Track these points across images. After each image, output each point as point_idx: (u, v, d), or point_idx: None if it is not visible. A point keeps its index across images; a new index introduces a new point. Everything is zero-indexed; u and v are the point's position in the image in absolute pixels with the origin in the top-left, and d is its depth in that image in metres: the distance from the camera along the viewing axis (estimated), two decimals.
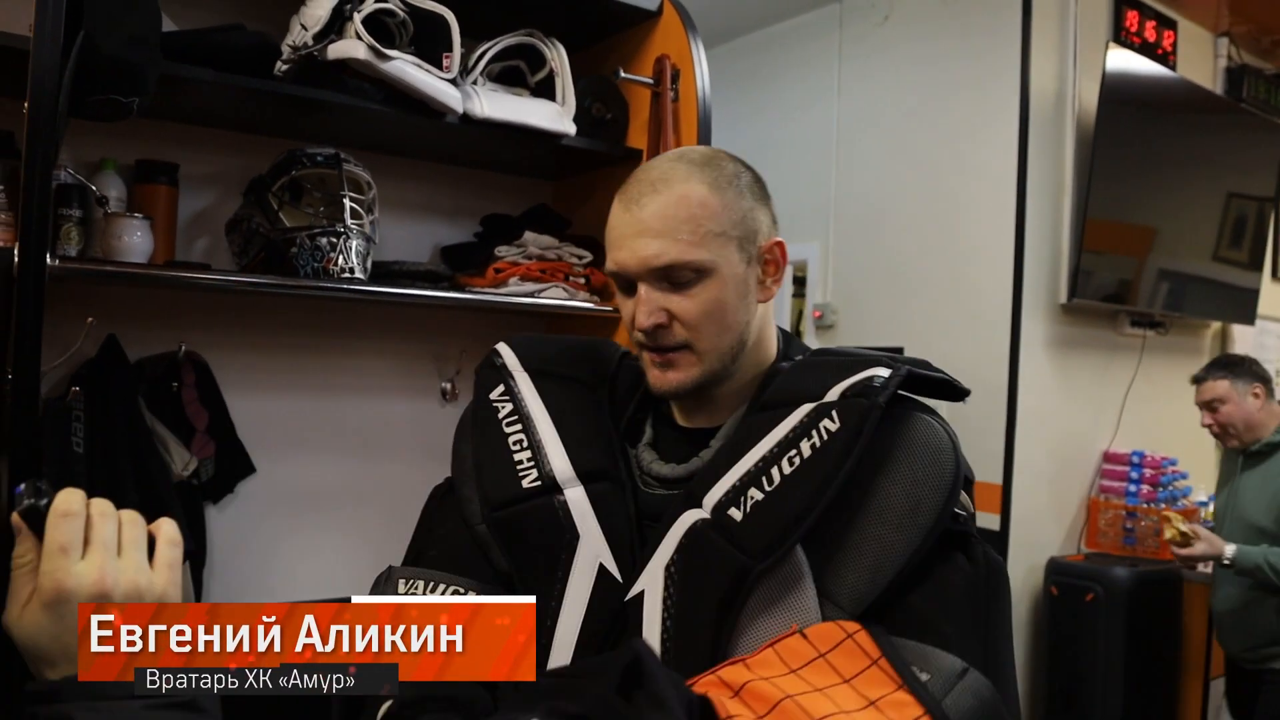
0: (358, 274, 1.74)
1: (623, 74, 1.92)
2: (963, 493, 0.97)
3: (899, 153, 3.64)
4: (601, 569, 1.02)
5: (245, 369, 1.99)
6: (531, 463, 1.06)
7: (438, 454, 2.18)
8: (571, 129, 1.90)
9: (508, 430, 1.08)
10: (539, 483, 1.05)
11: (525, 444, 1.07)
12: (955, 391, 1.04)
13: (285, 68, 1.71)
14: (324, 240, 1.73)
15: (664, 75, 1.92)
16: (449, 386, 2.19)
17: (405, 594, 1.02)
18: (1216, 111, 3.75)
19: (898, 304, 3.61)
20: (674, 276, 1.01)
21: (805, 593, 0.92)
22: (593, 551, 1.03)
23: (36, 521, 0.73)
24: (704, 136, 1.91)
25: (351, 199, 1.77)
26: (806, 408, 0.96)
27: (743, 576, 0.91)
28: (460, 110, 1.78)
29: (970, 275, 3.36)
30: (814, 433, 0.94)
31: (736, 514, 0.94)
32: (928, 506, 0.92)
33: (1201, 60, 3.93)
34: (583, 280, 2.02)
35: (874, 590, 0.91)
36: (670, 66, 1.93)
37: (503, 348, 1.16)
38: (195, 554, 1.84)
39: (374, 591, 1.06)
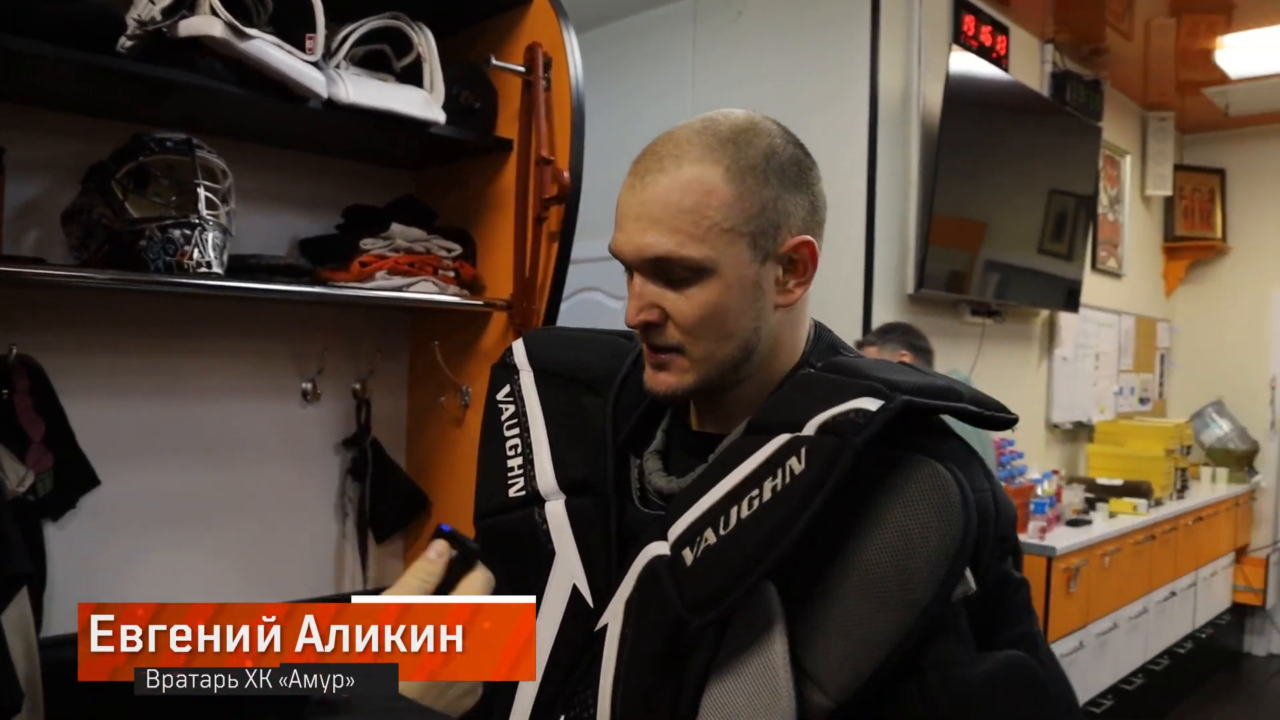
0: (215, 268, 1.62)
1: (495, 61, 1.86)
2: (980, 564, 0.79)
3: None
4: (575, 591, 0.95)
5: (84, 373, 1.83)
6: (521, 471, 1.01)
7: (300, 459, 2.09)
8: (441, 117, 1.83)
9: (507, 434, 1.03)
10: (524, 493, 1.00)
11: (519, 449, 1.02)
12: (991, 421, 0.87)
13: (130, 44, 1.57)
14: (177, 232, 1.61)
15: (536, 64, 1.88)
16: (310, 387, 2.08)
17: None
18: (1046, 114, 3.97)
19: None
20: (669, 272, 0.90)
21: (774, 661, 0.79)
22: (567, 571, 0.96)
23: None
24: (577, 127, 1.87)
25: (206, 188, 1.65)
26: (781, 439, 0.82)
27: (678, 630, 0.81)
28: (324, 95, 1.68)
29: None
30: (779, 472, 0.80)
31: (689, 556, 0.82)
32: (922, 578, 0.76)
33: (1030, 65, 4.16)
34: (452, 274, 1.95)
35: (857, 680, 0.77)
36: (543, 55, 1.88)
37: (516, 344, 1.09)
38: (33, 577, 1.68)
39: None
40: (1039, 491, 3.64)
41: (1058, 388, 4.40)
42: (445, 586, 0.82)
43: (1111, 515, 4.04)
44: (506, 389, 1.06)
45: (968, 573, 0.77)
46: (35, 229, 1.77)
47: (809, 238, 0.92)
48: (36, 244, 1.77)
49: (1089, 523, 3.85)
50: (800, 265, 0.93)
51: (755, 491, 0.80)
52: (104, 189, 1.66)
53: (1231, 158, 5.43)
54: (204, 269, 1.61)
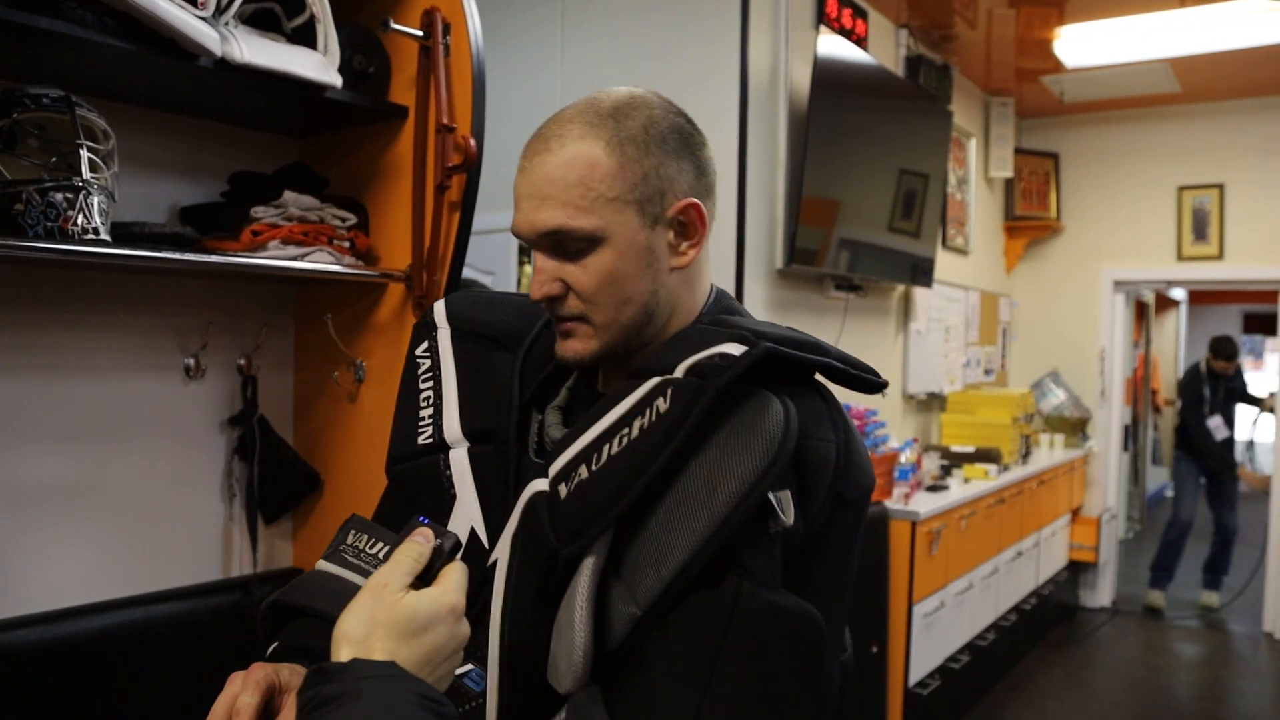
0: (103, 235, 1.53)
1: (394, 25, 1.80)
2: (780, 495, 0.83)
3: None
4: (472, 533, 1.02)
5: None
6: (430, 420, 1.08)
7: (183, 437, 2.00)
8: (338, 81, 1.77)
9: (421, 387, 1.11)
10: (431, 440, 1.06)
11: (430, 400, 1.09)
12: (858, 382, 0.94)
13: None
14: (59, 196, 1.50)
15: (435, 28, 1.83)
16: (193, 363, 1.98)
17: (350, 544, 0.96)
18: (903, 97, 4.14)
19: None
20: (564, 245, 0.95)
21: (576, 588, 0.85)
22: (466, 514, 1.03)
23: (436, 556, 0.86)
24: (478, 94, 1.84)
25: (89, 149, 1.55)
26: (652, 382, 0.88)
27: (552, 560, 0.87)
28: (218, 53, 1.60)
29: None
30: (648, 411, 0.86)
31: (564, 490, 0.88)
32: (725, 492, 0.81)
33: (886, 49, 4.32)
34: (347, 244, 1.89)
35: (658, 584, 0.82)
36: (441, 19, 1.84)
37: (438, 304, 1.16)
38: None
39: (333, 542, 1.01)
40: (902, 459, 3.81)
41: (912, 360, 4.61)
42: (428, 573, 0.85)
43: (966, 480, 4.27)
44: (425, 345, 1.13)
45: (785, 505, 0.83)
46: None
47: (695, 200, 0.98)
48: None
49: (946, 488, 4.06)
50: (690, 228, 0.99)
51: (625, 430, 0.86)
52: None
53: (1065, 142, 5.79)
54: (90, 235, 1.51)
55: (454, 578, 0.85)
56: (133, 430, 1.91)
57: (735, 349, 0.85)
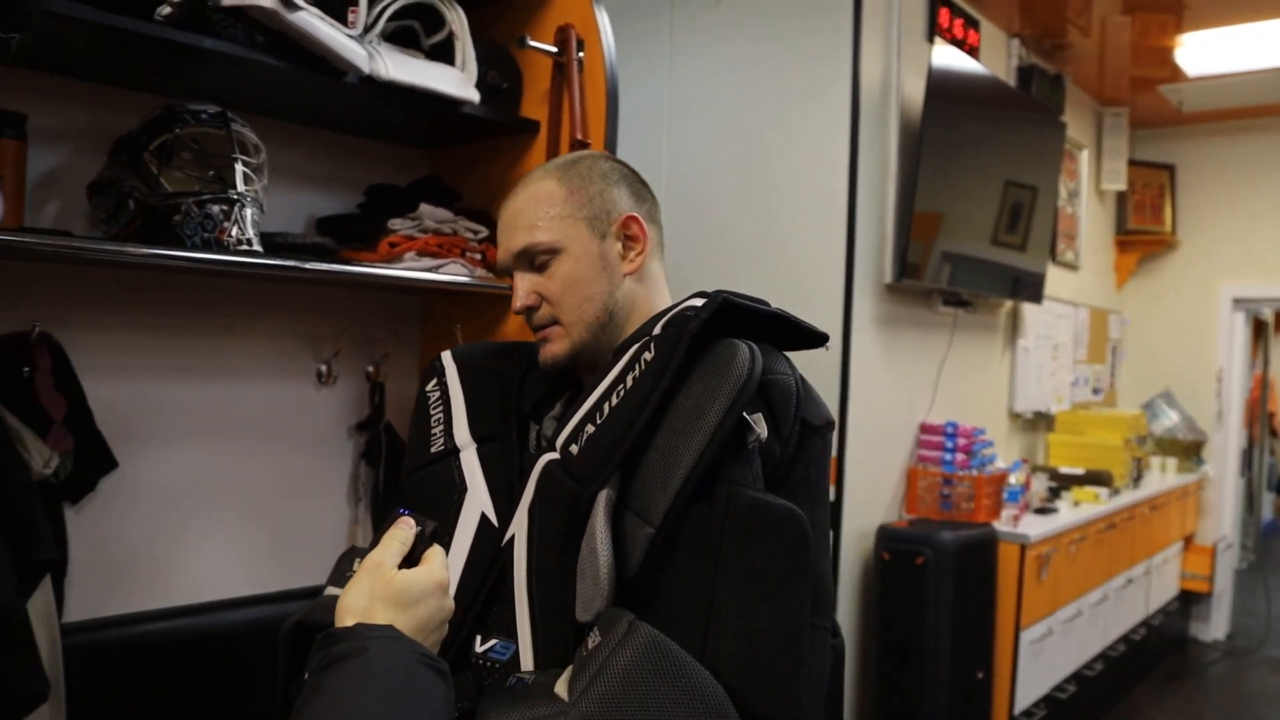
0: (256, 245, 1.58)
1: (530, 41, 1.84)
2: (754, 416, 0.98)
3: (727, 133, 3.71)
4: (483, 518, 1.15)
5: (100, 351, 1.77)
6: (441, 432, 1.24)
7: (312, 441, 2.05)
8: (475, 96, 1.81)
9: (432, 411, 1.27)
10: (443, 448, 1.22)
11: (441, 419, 1.25)
12: (801, 335, 1.11)
13: (168, 11, 1.52)
14: (216, 208, 1.56)
15: (570, 44, 1.86)
16: (325, 369, 2.04)
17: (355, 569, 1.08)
18: (1017, 108, 4.05)
19: (728, 282, 3.66)
20: (532, 259, 1.18)
21: (595, 524, 0.98)
22: (477, 503, 1.16)
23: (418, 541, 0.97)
24: (612, 110, 1.86)
25: (244, 162, 1.61)
26: (637, 345, 1.05)
27: (575, 504, 1.01)
28: (365, 70, 1.65)
29: (799, 255, 3.48)
30: (636, 365, 1.03)
31: (575, 449, 1.04)
32: (711, 411, 0.96)
33: (997, 59, 4.24)
34: (479, 256, 1.93)
35: (666, 499, 0.96)
36: (575, 36, 1.87)
37: (445, 354, 1.33)
38: (59, 563, 1.63)
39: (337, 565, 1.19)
40: (1011, 480, 3.73)
41: (1019, 378, 4.50)
42: (412, 555, 0.96)
43: (1075, 504, 4.16)
44: (434, 381, 1.30)
45: (759, 423, 0.98)
46: (55, 200, 1.71)
47: (635, 214, 1.20)
48: (58, 216, 1.71)
49: (1055, 511, 3.95)
50: (633, 239, 1.20)
51: (620, 386, 1.03)
52: (135, 161, 1.61)
53: (1182, 153, 5.60)
54: (244, 246, 1.57)
55: (437, 558, 0.97)
56: (268, 433, 1.98)
57: (698, 301, 1.03)
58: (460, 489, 1.18)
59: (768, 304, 1.09)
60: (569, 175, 1.20)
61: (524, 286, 1.19)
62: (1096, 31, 4.39)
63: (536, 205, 1.18)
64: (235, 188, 1.59)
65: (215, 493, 1.91)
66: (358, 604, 0.89)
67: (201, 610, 1.87)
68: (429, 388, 1.31)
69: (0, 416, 1.55)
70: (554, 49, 1.87)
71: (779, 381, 1.03)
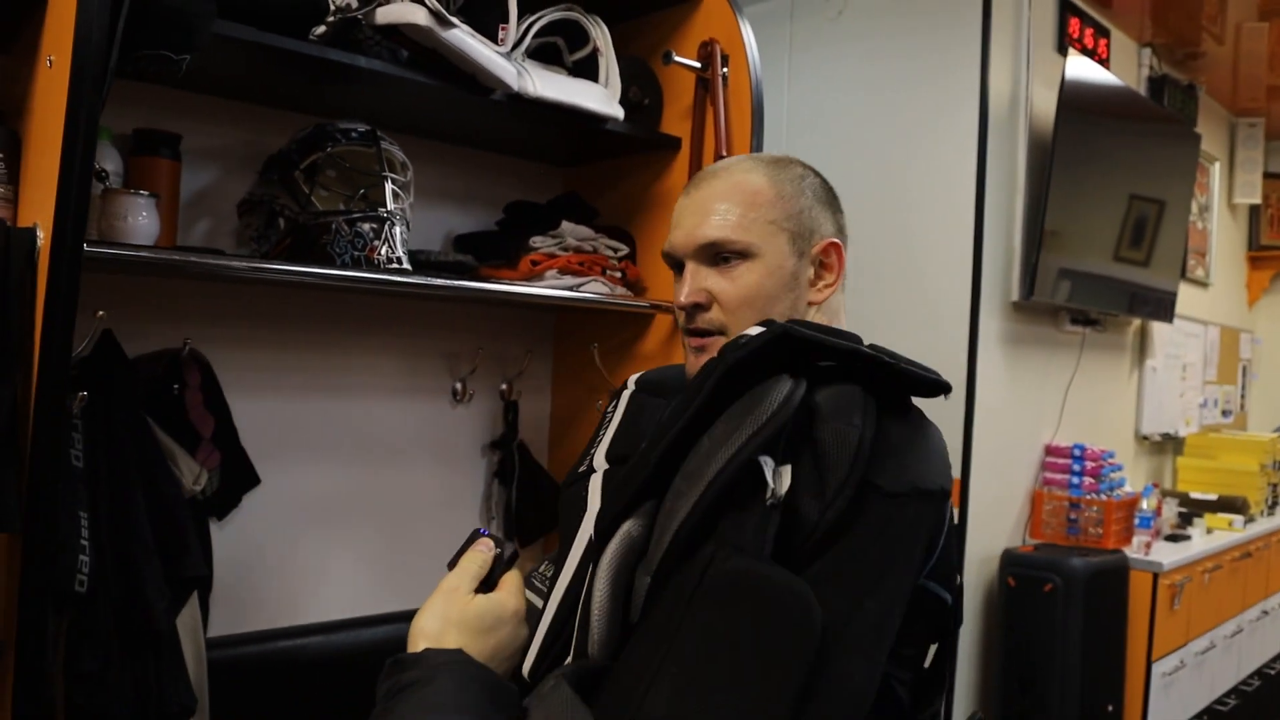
0: (405, 264, 1.57)
1: (676, 57, 1.80)
2: (777, 467, 0.81)
3: (850, 148, 3.62)
4: (590, 538, 1.05)
5: (242, 367, 1.78)
6: (590, 453, 1.16)
7: (448, 459, 2.04)
8: (619, 113, 1.78)
9: (598, 433, 1.20)
10: (584, 468, 1.14)
11: (597, 439, 1.18)
12: (914, 382, 0.91)
13: (323, 30, 1.52)
14: (367, 226, 1.56)
15: (714, 60, 1.82)
16: (460, 387, 2.03)
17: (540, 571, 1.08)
18: (1151, 120, 3.89)
19: (853, 300, 3.58)
20: (717, 255, 1.04)
21: (606, 552, 0.88)
22: (591, 517, 1.06)
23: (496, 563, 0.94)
24: (757, 125, 1.81)
25: (393, 180, 1.60)
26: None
27: (590, 544, 0.95)
28: (515, 88, 1.63)
29: (925, 273, 3.38)
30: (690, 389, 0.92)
31: (617, 470, 1.02)
32: (719, 454, 0.82)
33: (1128, 69, 4.07)
34: (619, 274, 1.89)
35: (660, 551, 0.83)
36: (720, 51, 1.82)
37: (633, 377, 1.25)
38: (207, 580, 1.64)
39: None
40: (1144, 505, 3.56)
41: (1147, 399, 4.31)
42: (489, 579, 0.93)
43: (1209, 531, 3.96)
44: (612, 403, 1.22)
45: (780, 476, 0.81)
46: (205, 218, 1.73)
47: (837, 241, 1.09)
48: (206, 234, 1.72)
49: (1188, 538, 3.77)
50: (829, 268, 1.08)
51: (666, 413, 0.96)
52: (286, 180, 1.61)
53: None
54: (394, 264, 1.56)
55: (514, 583, 0.93)
56: (403, 450, 1.97)
57: (756, 330, 0.89)
58: (585, 506, 1.09)
59: (881, 351, 0.91)
60: (780, 178, 1.07)
61: (696, 281, 1.05)
62: (1231, 39, 4.18)
63: (741, 198, 1.04)
64: (385, 206, 1.58)
65: (351, 509, 1.91)
66: (431, 627, 0.86)
67: (335, 628, 1.87)
68: (607, 409, 1.23)
69: (153, 433, 1.56)
70: (698, 64, 1.82)
71: (838, 432, 0.83)
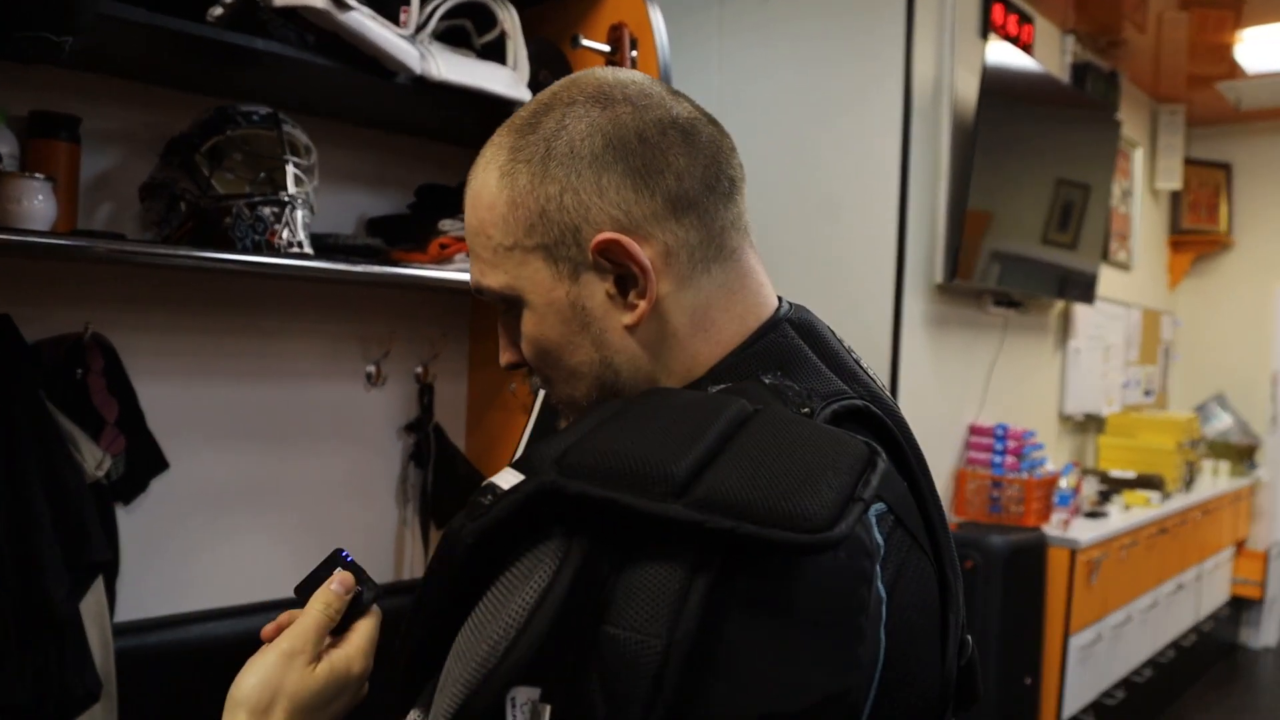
0: (306, 248, 1.57)
1: (584, 41, 1.81)
2: (520, 702, 0.57)
3: (777, 132, 3.66)
4: None
5: (150, 352, 1.77)
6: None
7: (361, 443, 2.05)
8: (527, 96, 1.78)
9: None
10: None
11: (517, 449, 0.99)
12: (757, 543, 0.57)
13: (219, 12, 1.51)
14: (267, 210, 1.56)
15: (623, 44, 1.83)
16: (374, 370, 2.03)
17: None
18: (1071, 105, 3.97)
19: (776, 284, 3.63)
20: (496, 306, 0.80)
21: None
22: None
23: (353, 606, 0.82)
24: None
25: (295, 164, 1.60)
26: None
27: None
28: (417, 71, 1.63)
29: (850, 254, 3.43)
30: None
31: None
32: (448, 694, 0.60)
33: (1051, 56, 4.15)
34: None
35: None
36: (629, 35, 1.84)
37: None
38: (111, 564, 1.63)
39: None
40: (1062, 484, 3.66)
41: (1070, 379, 4.42)
42: (341, 623, 0.82)
43: (1127, 508, 4.07)
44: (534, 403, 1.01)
45: (536, 715, 0.56)
46: (107, 202, 1.71)
47: (613, 235, 0.71)
48: (109, 218, 1.71)
49: (1106, 515, 3.88)
50: (631, 270, 0.72)
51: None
52: (188, 163, 1.61)
53: (1239, 152, 5.47)
54: (295, 248, 1.56)
55: (366, 636, 0.81)
56: (317, 434, 1.97)
57: (509, 478, 0.61)
58: None
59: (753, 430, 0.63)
60: (515, 162, 0.74)
61: (502, 338, 0.82)
62: (1153, 27, 4.28)
63: (476, 220, 0.76)
64: (286, 190, 1.58)
65: (264, 494, 1.91)
66: (257, 698, 0.74)
67: (250, 611, 1.87)
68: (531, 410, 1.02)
69: (53, 419, 1.55)
70: (607, 48, 1.84)
71: (620, 644, 0.55)
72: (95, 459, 1.61)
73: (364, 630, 0.82)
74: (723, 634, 0.56)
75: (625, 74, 0.78)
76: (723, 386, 0.72)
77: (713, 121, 0.81)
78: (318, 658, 0.78)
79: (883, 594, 0.63)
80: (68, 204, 1.58)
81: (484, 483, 0.63)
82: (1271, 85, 4.77)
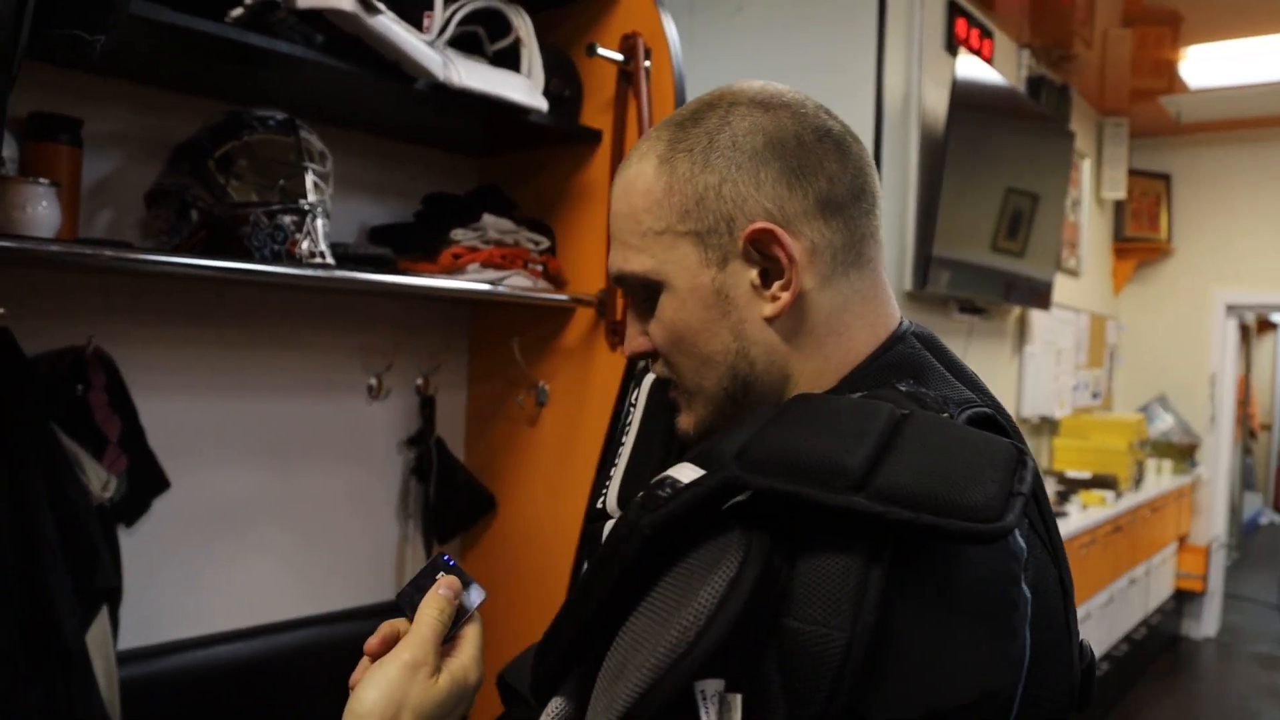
0: (329, 258, 1.52)
1: (600, 50, 1.78)
2: (709, 694, 0.59)
3: None
4: None
5: (150, 366, 1.69)
6: (605, 487, 0.93)
7: (363, 457, 1.99)
8: (543, 104, 1.75)
9: (621, 440, 0.95)
10: (600, 507, 0.91)
11: (615, 463, 0.93)
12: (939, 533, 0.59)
13: (240, 13, 1.45)
14: (287, 219, 1.50)
15: (636, 53, 1.81)
16: (376, 382, 1.97)
17: None
18: (1030, 118, 4.05)
19: None
20: (632, 293, 0.82)
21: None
22: None
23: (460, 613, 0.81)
24: None
25: (314, 171, 1.55)
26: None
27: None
28: (440, 77, 1.59)
29: None
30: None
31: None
32: (628, 685, 0.62)
33: (1009, 70, 4.23)
34: (540, 267, 1.87)
35: None
36: (642, 44, 1.82)
37: (649, 376, 0.99)
38: (117, 591, 1.55)
39: None
40: None
41: (1027, 383, 4.51)
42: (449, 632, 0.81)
43: (1085, 507, 4.17)
44: (635, 393, 0.95)
45: (730, 708, 0.58)
46: (107, 209, 1.63)
47: (766, 225, 0.75)
48: (110, 226, 1.63)
49: (1066, 515, 3.96)
50: (780, 260, 0.76)
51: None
52: (199, 169, 1.54)
53: (1178, 163, 5.65)
54: (318, 258, 1.50)
55: (476, 644, 0.81)
56: (318, 449, 1.91)
57: (688, 473, 0.63)
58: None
59: (931, 433, 0.64)
60: (675, 153, 0.77)
61: (633, 325, 0.83)
62: (1099, 43, 4.40)
63: (628, 206, 0.79)
64: (305, 197, 1.52)
65: (265, 511, 1.84)
66: (381, 711, 0.72)
67: (253, 634, 1.80)
68: (631, 400, 0.95)
69: (57, 439, 1.48)
70: (620, 57, 1.82)
71: (806, 638, 0.58)
72: (100, 480, 1.53)
73: (473, 637, 0.81)
74: (894, 626, 0.58)
75: (781, 86, 0.83)
76: (861, 394, 0.73)
77: (859, 140, 0.83)
78: (438, 669, 0.77)
79: (1028, 594, 0.65)
80: (70, 210, 1.50)
81: (659, 476, 0.65)
82: (1210, 100, 4.94)
